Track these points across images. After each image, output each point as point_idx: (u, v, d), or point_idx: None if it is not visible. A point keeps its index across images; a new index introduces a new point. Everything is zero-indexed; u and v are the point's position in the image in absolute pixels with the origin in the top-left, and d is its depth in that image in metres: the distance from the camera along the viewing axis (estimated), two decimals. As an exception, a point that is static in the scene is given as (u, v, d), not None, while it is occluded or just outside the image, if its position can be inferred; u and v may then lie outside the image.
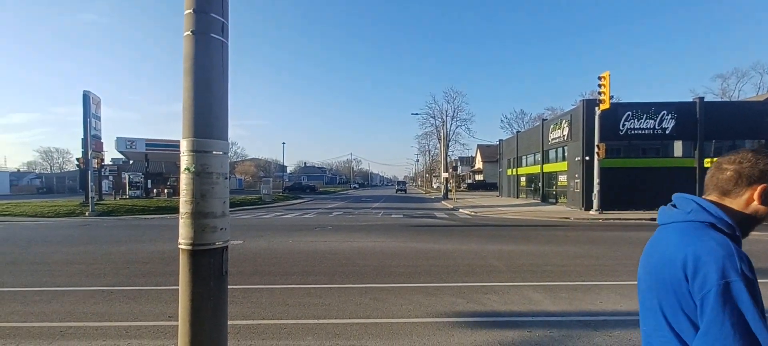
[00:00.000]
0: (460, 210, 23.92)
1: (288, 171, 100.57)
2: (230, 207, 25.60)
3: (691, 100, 22.99)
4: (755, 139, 22.40)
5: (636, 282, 4.80)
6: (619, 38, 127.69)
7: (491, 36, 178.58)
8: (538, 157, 30.69)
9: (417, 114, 46.64)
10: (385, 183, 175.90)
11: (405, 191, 66.26)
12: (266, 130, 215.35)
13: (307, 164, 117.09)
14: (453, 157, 66.21)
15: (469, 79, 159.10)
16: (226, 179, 2.30)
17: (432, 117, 55.07)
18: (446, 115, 46.87)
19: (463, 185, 66.79)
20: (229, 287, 2.46)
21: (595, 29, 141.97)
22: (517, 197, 35.93)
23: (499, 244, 10.88)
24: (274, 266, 8.06)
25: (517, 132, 40.37)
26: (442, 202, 33.28)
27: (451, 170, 42.92)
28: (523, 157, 35.30)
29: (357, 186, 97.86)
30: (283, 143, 48.01)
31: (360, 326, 4.67)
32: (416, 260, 8.53)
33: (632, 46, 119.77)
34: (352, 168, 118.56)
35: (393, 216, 20.01)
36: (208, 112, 2.17)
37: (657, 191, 21.60)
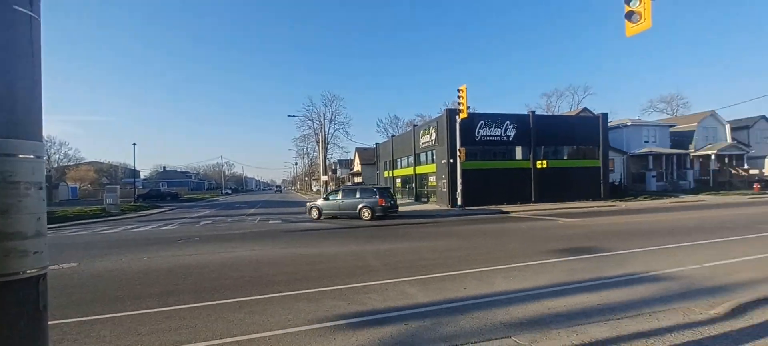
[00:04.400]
0: (340, 212, 24.17)
1: (142, 177, 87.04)
2: (62, 222, 20.62)
3: (526, 113, 27.89)
4: (569, 145, 28.39)
5: (492, 268, 5.47)
6: (473, 52, 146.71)
7: (364, 48, 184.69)
8: (411, 160, 33.14)
9: (294, 116, 45.45)
10: (262, 188, 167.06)
11: (281, 191, 69.55)
12: (111, 128, 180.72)
13: (168, 169, 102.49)
14: (332, 160, 66.73)
15: (345, 85, 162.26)
16: (41, 189, 1.79)
17: (310, 119, 54.58)
18: (324, 118, 47.08)
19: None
20: (52, 322, 1.93)
21: (455, 42, 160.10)
22: (393, 198, 38.17)
23: (377, 244, 11.32)
24: (122, 289, 6.79)
25: (392, 136, 42.92)
26: (322, 205, 33.14)
27: (330, 173, 43.17)
28: (398, 160, 37.68)
29: (229, 192, 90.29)
30: (134, 144, 39.82)
31: (233, 345, 4.26)
32: (297, 267, 8.25)
33: (484, 62, 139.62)
34: (224, 172, 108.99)
35: (271, 222, 19.05)
36: (11, 106, 1.65)
37: (505, 188, 25.62)
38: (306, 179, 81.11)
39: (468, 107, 21.70)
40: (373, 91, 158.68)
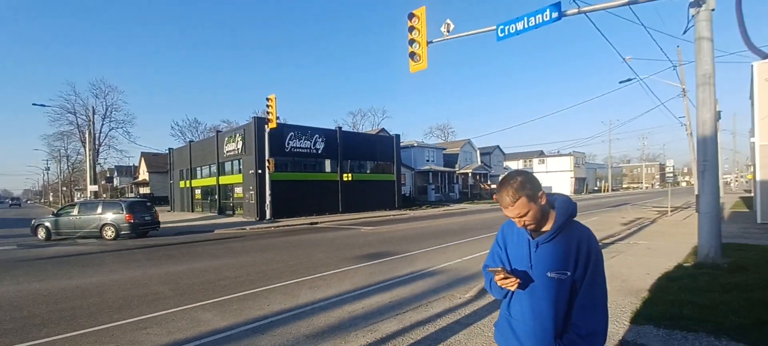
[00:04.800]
0: (117, 231, 19.54)
1: None
2: None
3: (334, 128, 29.67)
4: (371, 160, 31.64)
5: (298, 280, 5.33)
6: (285, 60, 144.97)
7: (155, 37, 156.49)
8: (214, 169, 30.10)
9: (43, 106, 33.16)
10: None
11: (20, 205, 53.15)
12: None
13: None
14: (107, 166, 53.77)
15: (126, 78, 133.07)
16: None
17: (71, 113, 42.49)
18: (94, 113, 36.97)
19: (124, 201, 55.30)
20: None
21: (265, 46, 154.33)
22: (193, 211, 33.67)
23: (168, 266, 9.62)
24: None
25: (191, 141, 38.00)
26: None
27: (104, 182, 34.48)
28: (198, 168, 33.57)
29: None
30: None
31: None
32: (34, 308, 6.07)
33: (297, 72, 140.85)
34: None
35: (1, 249, 13.63)
36: None
37: (315, 199, 26.32)
38: (65, 188, 62.48)
39: (278, 118, 21.40)
40: (167, 87, 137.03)
